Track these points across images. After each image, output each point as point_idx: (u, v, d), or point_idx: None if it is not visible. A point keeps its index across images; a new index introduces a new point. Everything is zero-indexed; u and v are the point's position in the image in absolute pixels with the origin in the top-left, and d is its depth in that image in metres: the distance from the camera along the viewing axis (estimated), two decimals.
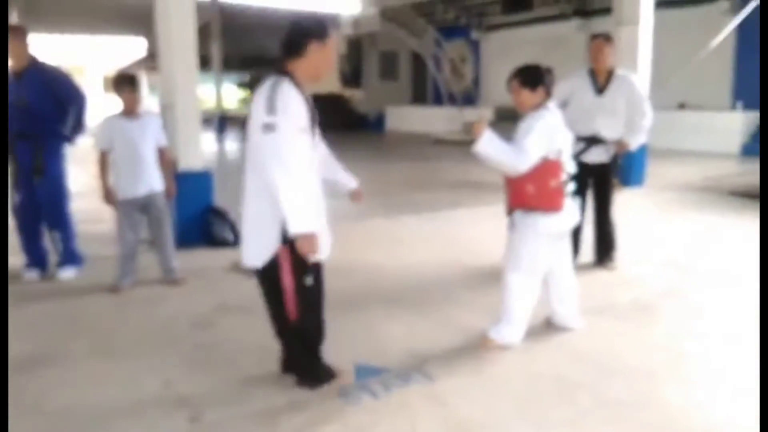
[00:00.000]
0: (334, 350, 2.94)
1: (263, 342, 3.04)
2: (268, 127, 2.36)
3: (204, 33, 20.47)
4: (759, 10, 10.37)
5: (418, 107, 21.40)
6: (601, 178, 4.56)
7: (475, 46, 20.57)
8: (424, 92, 22.88)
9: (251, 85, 33.33)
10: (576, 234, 4.27)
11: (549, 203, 3.06)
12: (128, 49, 26.43)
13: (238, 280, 4.55)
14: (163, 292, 4.28)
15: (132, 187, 4.19)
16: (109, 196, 4.19)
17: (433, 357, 3.16)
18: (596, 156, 4.48)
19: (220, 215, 5.58)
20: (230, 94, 31.67)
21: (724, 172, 9.77)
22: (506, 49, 19.02)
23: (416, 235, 5.99)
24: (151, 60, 29.13)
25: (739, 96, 12.61)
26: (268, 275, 2.62)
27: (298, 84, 2.52)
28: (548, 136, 3.02)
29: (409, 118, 20.30)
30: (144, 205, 4.28)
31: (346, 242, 5.57)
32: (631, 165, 8.17)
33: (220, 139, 20.15)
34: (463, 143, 15.43)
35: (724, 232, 5.92)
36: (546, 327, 3.51)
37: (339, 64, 24.12)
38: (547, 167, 3.04)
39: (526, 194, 3.07)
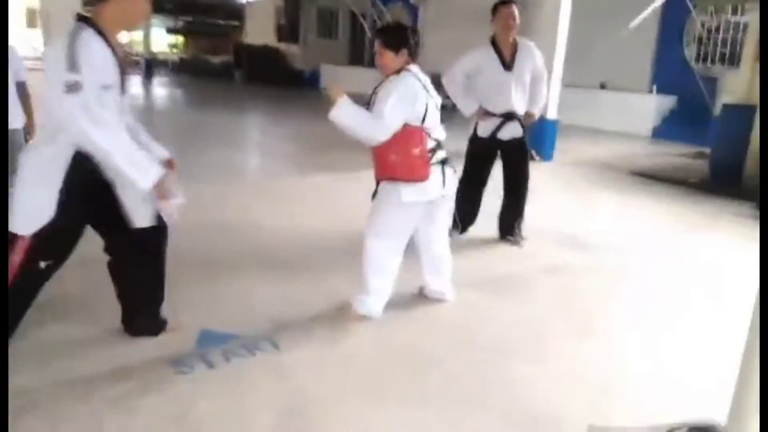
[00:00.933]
0: (188, 313, 2.75)
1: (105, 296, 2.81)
2: (73, 87, 2.10)
3: None
4: None
5: (354, 68, 20.97)
6: (517, 153, 4.47)
7: (414, 11, 20.20)
8: (362, 53, 22.43)
9: (183, 32, 31.87)
10: (461, 207, 4.20)
11: (412, 173, 2.89)
12: None
13: None
14: None
15: None
16: None
17: (292, 325, 3.02)
18: (512, 131, 4.37)
19: None
20: (160, 39, 30.12)
21: (632, 152, 10.06)
22: (444, 17, 18.78)
23: (320, 195, 5.84)
24: None
25: (657, 80, 12.96)
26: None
27: (104, 33, 2.24)
28: (409, 100, 2.83)
29: (344, 78, 19.80)
30: None
31: (240, 200, 5.39)
32: (543, 140, 8.24)
33: (147, 83, 19.19)
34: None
35: (620, 209, 6.07)
36: (416, 298, 3.43)
37: (276, 17, 23.31)
38: (409, 134, 2.86)
39: (389, 163, 2.91)
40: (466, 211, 4.43)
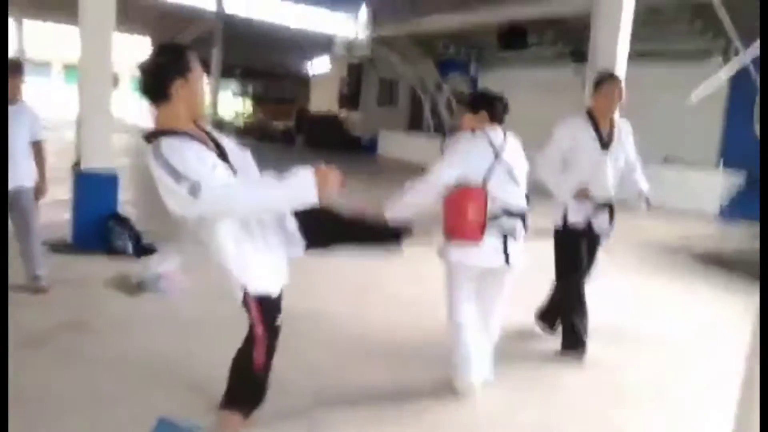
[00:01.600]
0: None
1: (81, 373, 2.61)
2: (193, 191, 2.04)
3: (206, 40, 20.61)
4: (757, 66, 10.02)
5: (410, 135, 21.15)
6: (596, 243, 3.81)
7: (473, 82, 20.36)
8: (420, 121, 22.66)
9: (250, 97, 33.39)
10: (574, 316, 3.66)
11: (463, 233, 2.76)
12: (129, 47, 26.41)
13: (112, 295, 4.12)
14: (19, 300, 3.82)
15: None
16: None
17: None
18: (604, 221, 3.70)
19: (123, 222, 5.15)
20: (228, 102, 31.64)
21: (696, 232, 9.31)
22: (504, 87, 18.63)
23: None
24: None
25: (724, 154, 12.25)
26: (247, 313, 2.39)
27: (180, 133, 2.18)
28: (460, 160, 2.81)
29: (400, 145, 20.02)
30: (10, 202, 3.85)
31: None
32: None
33: None
34: None
35: (677, 299, 5.43)
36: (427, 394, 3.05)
37: (339, 86, 24.05)
38: (463, 194, 2.75)
39: (445, 222, 2.84)
40: (581, 319, 3.68)
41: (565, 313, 3.71)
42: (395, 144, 20.36)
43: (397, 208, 2.80)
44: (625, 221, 9.24)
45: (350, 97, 23.32)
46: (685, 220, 10.61)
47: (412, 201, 2.85)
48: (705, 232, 9.69)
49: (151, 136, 2.20)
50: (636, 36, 7.79)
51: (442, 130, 17.10)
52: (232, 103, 32.70)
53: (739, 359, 3.82)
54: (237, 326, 2.60)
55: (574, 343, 3.62)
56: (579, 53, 16.07)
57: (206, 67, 21.03)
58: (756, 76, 10.86)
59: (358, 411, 2.81)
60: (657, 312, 5.02)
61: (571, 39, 15.66)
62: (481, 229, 2.73)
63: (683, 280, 6.09)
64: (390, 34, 17.54)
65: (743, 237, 8.96)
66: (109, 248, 5.00)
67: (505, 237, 2.80)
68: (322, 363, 3.18)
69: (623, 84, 3.63)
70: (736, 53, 10.98)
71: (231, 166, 2.28)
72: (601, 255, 3.82)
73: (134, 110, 30.92)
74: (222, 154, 2.29)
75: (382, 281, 4.97)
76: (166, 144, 2.13)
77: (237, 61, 25.48)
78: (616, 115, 3.70)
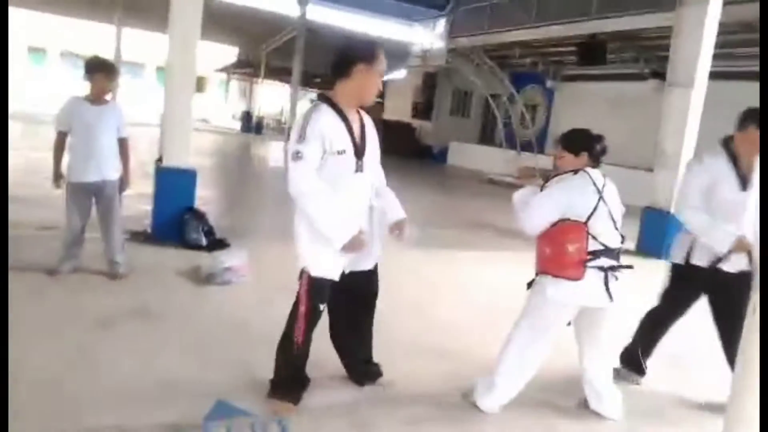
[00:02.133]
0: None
1: (146, 356, 2.82)
2: (296, 155, 2.48)
3: (289, 49, 21.35)
4: None
5: (480, 146, 21.04)
6: (740, 289, 3.14)
7: (549, 94, 20.03)
8: (492, 133, 22.51)
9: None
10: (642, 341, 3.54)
11: (563, 269, 2.75)
12: (217, 54, 27.70)
13: (183, 285, 4.40)
14: (97, 284, 4.17)
15: (83, 171, 4.13)
16: (57, 177, 4.15)
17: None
18: (740, 263, 3.18)
19: (198, 217, 5.47)
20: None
21: None
22: (579, 100, 18.36)
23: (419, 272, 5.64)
24: (240, 67, 30.72)
25: None
26: (297, 292, 2.69)
27: (340, 107, 2.60)
28: (566, 197, 2.78)
29: (470, 155, 19.98)
30: (95, 192, 4.21)
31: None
32: (665, 237, 7.47)
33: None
34: (510, 185, 14.99)
35: None
36: (576, 408, 3.14)
37: (413, 95, 24.27)
38: (567, 229, 2.75)
39: (544, 255, 2.84)
40: (645, 346, 3.55)
41: (637, 336, 3.56)
42: (465, 155, 20.33)
43: (516, 198, 3.00)
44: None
45: (423, 107, 23.50)
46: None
47: (519, 206, 2.97)
48: None
49: (319, 97, 2.64)
50: (715, 54, 7.47)
51: (513, 143, 16.91)
52: None
53: None
54: (283, 311, 2.77)
55: (635, 366, 3.53)
56: (658, 70, 15.57)
57: (287, 74, 21.87)
58: None
59: (399, 410, 2.90)
60: None
61: (651, 55, 15.17)
62: (583, 265, 2.73)
63: None
64: (466, 45, 17.56)
65: None
66: (184, 240, 5.33)
67: (605, 275, 2.79)
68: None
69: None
70: None
71: (361, 164, 2.62)
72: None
73: (221, 113, 32.53)
74: (359, 147, 2.62)
75: (454, 281, 5.07)
76: (319, 109, 2.54)
77: (317, 70, 26.25)
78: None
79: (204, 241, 5.35)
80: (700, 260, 3.24)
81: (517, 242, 7.50)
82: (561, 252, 2.74)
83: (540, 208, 2.79)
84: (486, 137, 22.72)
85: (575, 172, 2.87)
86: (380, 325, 3.08)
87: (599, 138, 2.92)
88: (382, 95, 28.42)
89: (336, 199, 2.53)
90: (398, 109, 25.02)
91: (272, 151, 18.24)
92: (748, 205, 3.15)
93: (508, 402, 2.97)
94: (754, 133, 3.08)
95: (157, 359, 3.12)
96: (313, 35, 20.82)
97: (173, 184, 5.42)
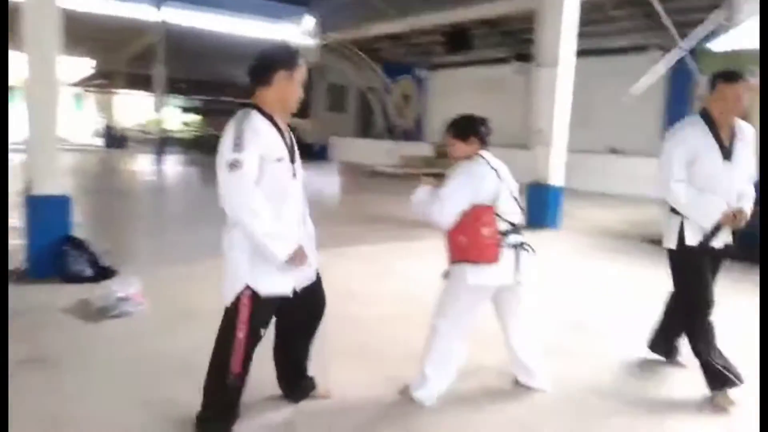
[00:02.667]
0: None
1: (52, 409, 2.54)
2: (233, 165, 2.33)
3: (149, 55, 20.08)
4: (686, 60, 10.47)
5: (360, 140, 21.25)
6: (719, 263, 3.29)
7: (420, 84, 20.60)
8: (370, 126, 22.77)
9: (198, 110, 32.78)
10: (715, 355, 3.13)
11: (480, 254, 2.80)
12: (69, 68, 25.52)
13: (74, 323, 3.97)
14: None
15: None
16: None
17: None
18: (725, 237, 3.16)
19: (78, 245, 4.98)
20: (175, 117, 30.94)
21: (645, 218, 9.67)
22: (450, 88, 19.08)
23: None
24: (98, 78, 28.54)
25: None
26: (226, 317, 2.50)
27: (268, 114, 2.48)
28: (472, 185, 2.83)
29: (351, 149, 20.13)
30: None
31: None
32: (547, 208, 7.95)
33: (159, 161, 19.43)
34: (394, 175, 15.31)
35: (634, 284, 5.63)
36: (513, 387, 3.22)
37: None
38: (477, 214, 2.80)
39: (459, 245, 2.86)
40: (717, 354, 3.13)
41: (700, 355, 3.15)
42: (346, 149, 20.44)
43: (415, 198, 2.99)
44: (576, 210, 9.51)
45: (300, 105, 23.22)
46: (633, 206, 11.01)
47: (422, 206, 2.95)
48: (654, 217, 10.05)
49: (246, 107, 2.49)
50: (579, 33, 8.05)
51: (393, 134, 17.22)
52: (180, 118, 32.08)
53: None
54: (202, 347, 2.58)
55: (723, 382, 3.09)
56: (522, 53, 16.55)
57: (150, 82, 20.60)
58: (693, 66, 11.32)
59: (340, 418, 2.81)
60: (611, 296, 5.21)
61: (515, 39, 16.07)
62: (498, 246, 2.81)
63: (637, 264, 6.32)
64: (336, 40, 17.56)
65: None
66: (65, 274, 4.82)
67: (516, 252, 2.87)
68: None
69: (744, 86, 3.04)
70: (669, 48, 11.48)
71: (295, 169, 2.56)
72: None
73: (79, 130, 30.05)
74: (292, 154, 2.55)
75: (366, 278, 5.02)
76: (252, 115, 2.43)
77: (182, 75, 24.97)
78: (740, 122, 3.16)
79: (89, 272, 4.88)
80: (693, 240, 3.12)
81: (419, 232, 7.66)
82: (477, 238, 2.79)
83: (451, 199, 2.81)
84: (365, 130, 22.97)
85: (470, 158, 2.94)
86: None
87: (483, 120, 3.01)
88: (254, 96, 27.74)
89: (276, 210, 2.42)
90: None
91: (140, 165, 17.09)
92: (733, 176, 3.07)
93: (446, 392, 2.98)
94: (723, 89, 3.04)
95: (65, 410, 2.79)
96: (175, 39, 19.80)
97: (45, 214, 4.88)
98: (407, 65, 20.22)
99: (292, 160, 2.56)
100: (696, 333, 3.16)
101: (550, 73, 7.71)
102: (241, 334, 2.42)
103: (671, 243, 3.20)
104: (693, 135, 3.11)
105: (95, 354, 3.50)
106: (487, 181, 2.85)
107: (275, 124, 2.50)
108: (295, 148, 2.63)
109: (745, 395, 3.06)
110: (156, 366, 3.30)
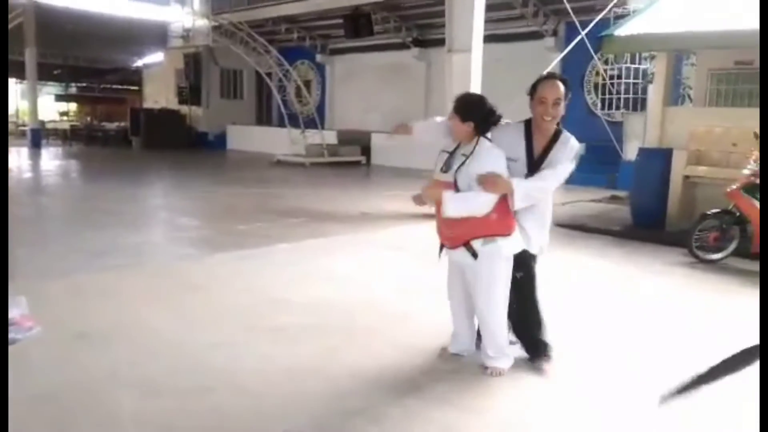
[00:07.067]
0: None
1: None
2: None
3: (18, 36, 17.99)
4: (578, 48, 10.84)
5: (260, 127, 20.51)
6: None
7: (320, 69, 20.14)
8: (269, 113, 22.00)
9: (75, 98, 30.16)
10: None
11: (508, 226, 3.02)
12: None
13: None
14: None
15: None
16: None
17: None
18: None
19: None
20: (49, 106, 28.32)
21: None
22: (351, 73, 18.81)
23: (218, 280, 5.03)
24: None
25: (563, 127, 13.26)
26: None
27: None
28: (501, 164, 2.97)
29: (251, 138, 19.36)
30: None
31: (121, 295, 4.45)
32: None
33: (35, 154, 17.63)
34: (299, 165, 14.86)
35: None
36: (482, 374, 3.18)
37: (176, 79, 22.44)
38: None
39: (488, 223, 2.96)
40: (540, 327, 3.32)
41: (525, 328, 3.31)
42: (246, 138, 19.66)
43: (460, 211, 2.93)
44: None
45: (190, 91, 21.88)
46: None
47: (471, 209, 2.93)
48: (556, 200, 10.33)
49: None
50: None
51: (294, 121, 16.64)
52: (55, 107, 29.33)
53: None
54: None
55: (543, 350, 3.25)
56: (419, 38, 16.59)
57: (20, 68, 18.47)
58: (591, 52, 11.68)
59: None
60: None
61: (412, 24, 16.06)
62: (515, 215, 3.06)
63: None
64: (229, 21, 16.65)
65: (588, 201, 9.78)
66: None
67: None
68: None
69: (560, 88, 2.98)
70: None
71: None
72: None
73: None
74: None
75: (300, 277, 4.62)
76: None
77: (57, 60, 22.83)
78: (566, 134, 3.12)
79: None
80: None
81: (337, 225, 7.33)
82: (505, 212, 2.98)
83: (519, 185, 2.93)
84: (262, 118, 22.17)
85: (477, 142, 2.99)
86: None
87: (493, 111, 3.05)
88: (138, 82, 25.92)
89: None
90: (161, 97, 23.07)
91: (14, 161, 15.31)
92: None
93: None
94: (542, 91, 3.00)
95: None
96: (47, 20, 17.92)
97: None
98: (305, 50, 19.67)
99: None
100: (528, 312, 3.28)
101: (464, 59, 7.64)
102: None
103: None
104: (509, 128, 3.17)
105: None
106: (501, 159, 3.00)
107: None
108: None
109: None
110: (62, 405, 2.78)
